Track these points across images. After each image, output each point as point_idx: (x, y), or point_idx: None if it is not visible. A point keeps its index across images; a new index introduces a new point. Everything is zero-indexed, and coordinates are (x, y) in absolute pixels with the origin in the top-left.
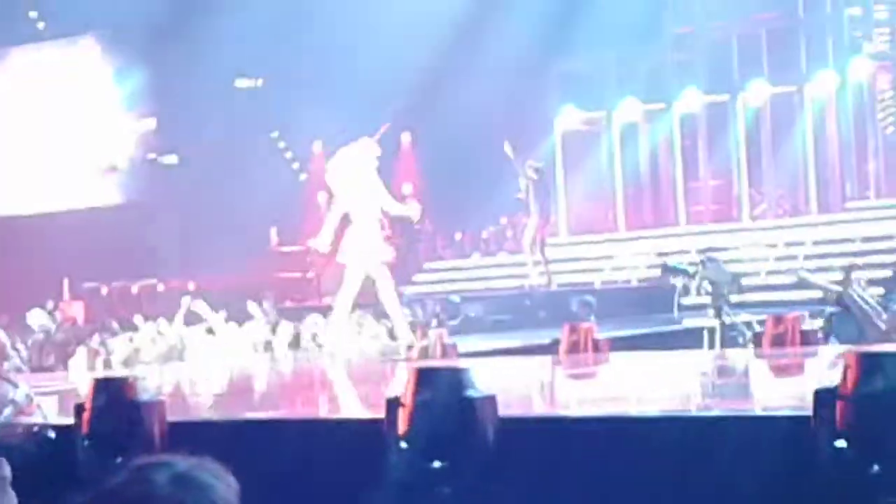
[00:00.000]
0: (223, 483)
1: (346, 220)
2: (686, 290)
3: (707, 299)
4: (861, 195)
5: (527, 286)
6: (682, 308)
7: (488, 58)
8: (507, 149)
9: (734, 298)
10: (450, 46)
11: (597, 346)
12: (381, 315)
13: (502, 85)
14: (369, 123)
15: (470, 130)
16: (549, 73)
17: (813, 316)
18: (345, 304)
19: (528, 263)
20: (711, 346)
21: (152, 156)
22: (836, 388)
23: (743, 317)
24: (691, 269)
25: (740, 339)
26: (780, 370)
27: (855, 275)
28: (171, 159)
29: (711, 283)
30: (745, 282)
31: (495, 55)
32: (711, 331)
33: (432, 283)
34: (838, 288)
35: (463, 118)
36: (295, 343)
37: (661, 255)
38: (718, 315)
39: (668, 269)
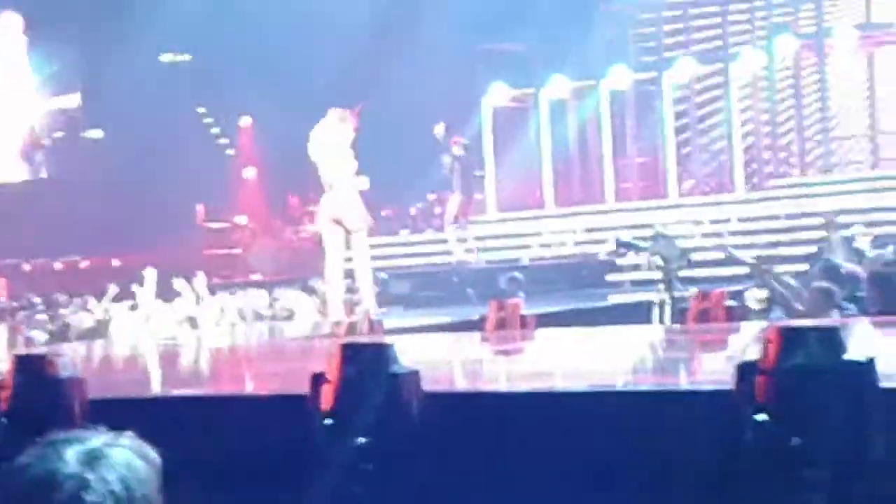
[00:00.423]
0: (142, 459)
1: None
2: (636, 266)
3: (653, 274)
4: (786, 173)
5: (454, 262)
6: (610, 285)
7: (417, 35)
8: (439, 129)
9: (683, 273)
10: (379, 24)
11: (524, 323)
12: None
13: (431, 62)
14: (298, 99)
15: (398, 107)
16: (477, 50)
17: (760, 287)
18: (336, 274)
19: (450, 240)
20: (661, 320)
21: (77, 131)
22: (756, 362)
23: (692, 291)
24: (643, 244)
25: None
26: (704, 345)
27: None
28: (96, 134)
29: (662, 258)
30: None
31: (424, 33)
32: (661, 305)
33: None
34: (759, 265)
35: (391, 95)
36: (222, 319)
37: (589, 230)
38: (669, 289)
39: (621, 244)
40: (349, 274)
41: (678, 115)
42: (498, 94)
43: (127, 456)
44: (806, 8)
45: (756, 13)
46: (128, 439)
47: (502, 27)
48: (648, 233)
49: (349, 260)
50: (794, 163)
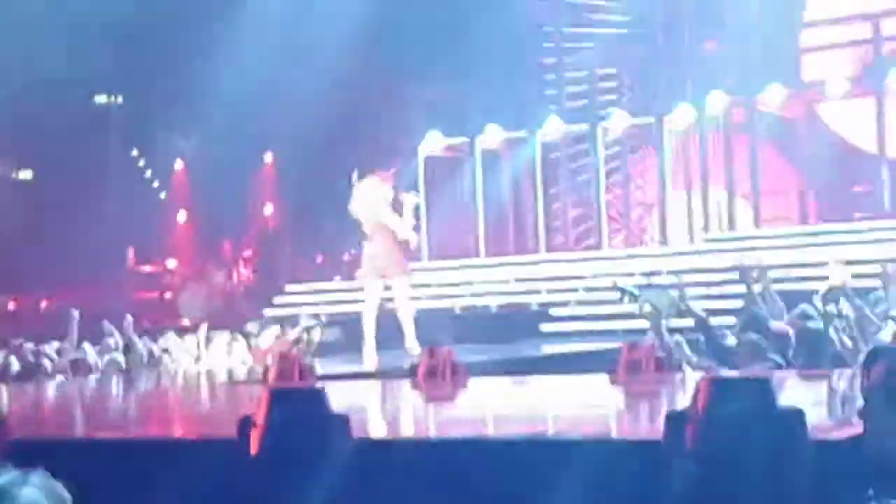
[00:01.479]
0: (51, 497)
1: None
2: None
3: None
4: (718, 227)
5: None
6: (543, 335)
7: (353, 81)
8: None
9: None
10: (314, 70)
11: (455, 371)
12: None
13: (367, 109)
14: (232, 143)
15: (332, 152)
16: (413, 98)
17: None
18: (371, 320)
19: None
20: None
21: (7, 172)
22: (686, 411)
23: (676, 338)
24: (636, 293)
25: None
26: (635, 396)
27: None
28: (26, 175)
29: (653, 306)
30: (602, 311)
31: (360, 79)
32: None
33: (292, 305)
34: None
35: (325, 140)
36: (151, 363)
37: (521, 280)
38: (658, 338)
39: (618, 290)
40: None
41: (611, 167)
42: (433, 143)
43: (34, 496)
44: (737, 66)
45: (688, 69)
46: (38, 478)
47: (438, 76)
48: (598, 283)
49: (389, 300)
50: (724, 218)
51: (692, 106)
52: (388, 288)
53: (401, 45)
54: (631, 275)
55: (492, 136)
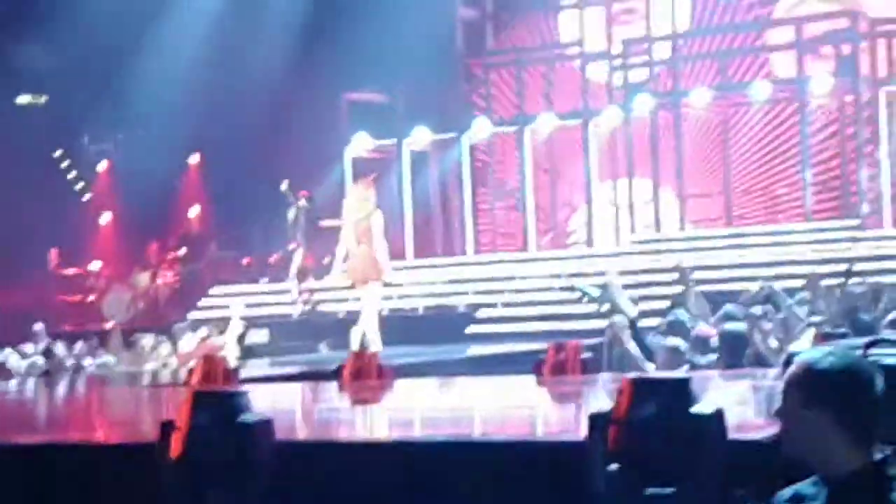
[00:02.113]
0: None
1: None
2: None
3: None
4: (644, 229)
5: (311, 313)
6: (470, 337)
7: (280, 83)
8: (284, 185)
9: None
10: (242, 72)
11: (381, 373)
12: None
13: (293, 111)
14: (158, 144)
15: (259, 154)
16: (340, 100)
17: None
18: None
19: (293, 291)
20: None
21: None
22: (609, 412)
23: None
24: (594, 293)
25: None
26: (559, 397)
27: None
28: None
29: (612, 307)
30: (531, 311)
31: (288, 81)
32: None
33: (218, 307)
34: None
35: (253, 142)
36: (72, 366)
37: (448, 282)
38: (618, 335)
39: (578, 290)
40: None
41: (539, 169)
42: (360, 145)
43: None
44: (663, 68)
45: (615, 72)
46: None
47: (366, 78)
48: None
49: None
50: (652, 220)
51: (619, 108)
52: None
53: (328, 47)
54: (557, 276)
55: (419, 137)
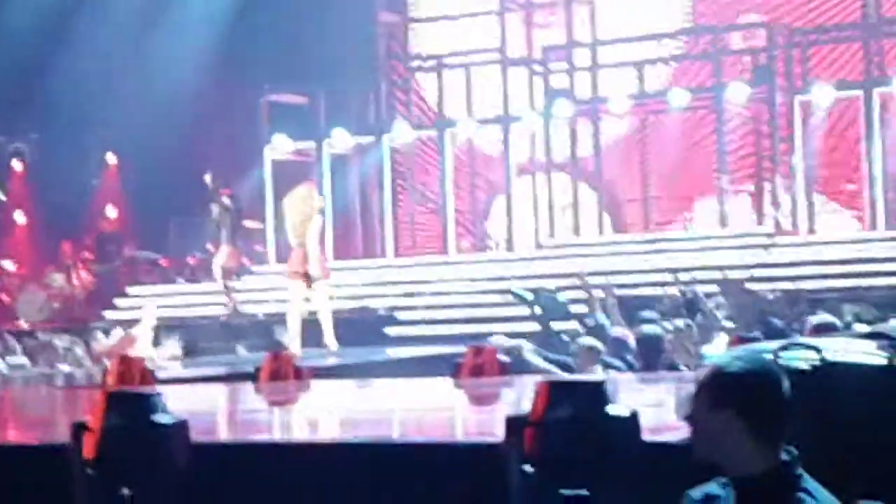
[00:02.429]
0: None
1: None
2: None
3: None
4: (564, 233)
5: (229, 314)
6: (389, 339)
7: (197, 81)
8: (207, 178)
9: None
10: (159, 71)
11: (298, 375)
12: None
13: (213, 111)
14: (74, 144)
15: (177, 154)
16: (260, 101)
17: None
18: (296, 319)
19: (221, 292)
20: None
21: None
22: (525, 414)
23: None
24: (528, 297)
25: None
26: (477, 399)
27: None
28: None
29: (543, 310)
30: (449, 314)
31: (206, 83)
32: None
33: (134, 308)
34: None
35: (170, 141)
36: None
37: (368, 285)
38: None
39: (513, 294)
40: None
41: (459, 173)
42: (280, 147)
43: None
44: (582, 74)
45: (535, 77)
46: None
47: (285, 79)
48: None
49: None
50: (570, 224)
51: (538, 113)
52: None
53: (247, 48)
54: (474, 280)
55: (339, 140)
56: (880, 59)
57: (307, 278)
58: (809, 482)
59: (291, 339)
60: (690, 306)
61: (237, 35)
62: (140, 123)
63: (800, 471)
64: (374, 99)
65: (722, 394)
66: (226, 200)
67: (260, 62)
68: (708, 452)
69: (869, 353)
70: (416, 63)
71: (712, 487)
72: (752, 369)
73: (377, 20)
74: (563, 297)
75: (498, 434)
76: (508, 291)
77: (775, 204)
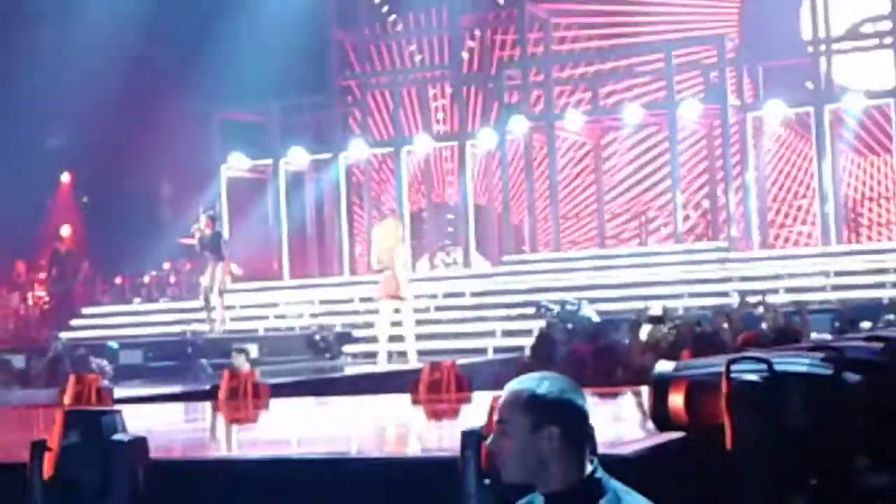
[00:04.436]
0: None
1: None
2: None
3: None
4: (517, 249)
5: (188, 333)
6: (347, 356)
7: (156, 102)
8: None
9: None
10: (116, 90)
11: (257, 392)
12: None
13: (169, 130)
14: (28, 162)
15: (133, 174)
16: (214, 120)
17: None
18: (386, 334)
19: (206, 310)
20: None
21: None
22: (481, 428)
23: None
24: (555, 309)
25: None
26: (434, 415)
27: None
28: None
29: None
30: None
31: (163, 100)
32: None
33: (91, 328)
34: None
35: (126, 161)
36: None
37: (324, 302)
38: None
39: (538, 305)
40: None
41: (415, 189)
42: (236, 164)
43: None
44: (538, 92)
45: (490, 94)
46: None
47: (241, 97)
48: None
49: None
50: (526, 240)
51: (494, 131)
52: None
53: (202, 66)
54: (434, 297)
55: (296, 157)
56: (829, 76)
57: (396, 299)
58: (618, 485)
59: (381, 352)
60: (666, 319)
61: (192, 53)
62: (94, 141)
63: (601, 474)
64: (329, 116)
65: (543, 414)
66: (203, 221)
67: (214, 80)
68: (524, 473)
69: (815, 365)
70: (371, 80)
71: None
72: (563, 388)
73: (332, 38)
74: (586, 309)
75: (454, 449)
76: (536, 304)
77: (728, 219)
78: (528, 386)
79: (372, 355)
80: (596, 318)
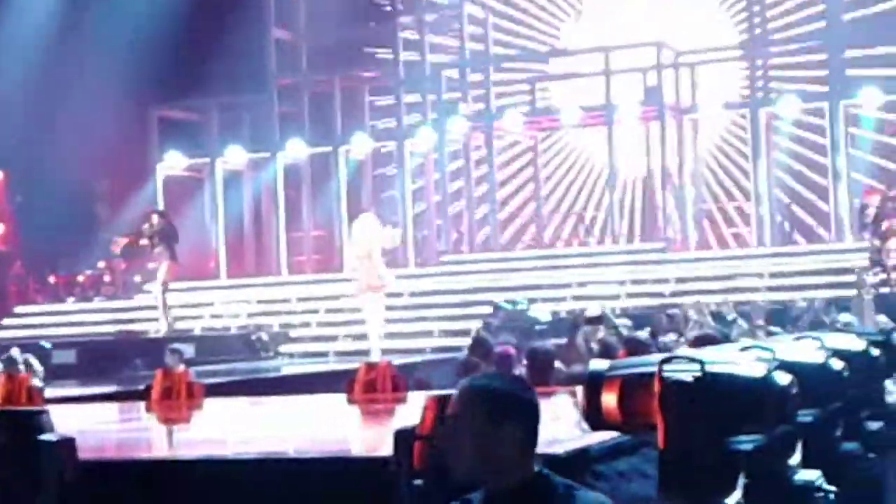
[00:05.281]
0: None
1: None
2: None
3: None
4: (455, 249)
5: (122, 332)
6: (284, 356)
7: (90, 100)
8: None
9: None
10: (48, 85)
11: (191, 392)
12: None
13: (104, 128)
14: None
15: (67, 172)
16: (151, 118)
17: None
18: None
19: (158, 307)
20: None
21: None
22: (413, 428)
23: None
24: (506, 309)
25: None
26: (368, 415)
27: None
28: None
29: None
30: (346, 331)
31: (97, 97)
32: None
33: (23, 327)
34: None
35: (61, 159)
36: None
37: (261, 302)
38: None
39: (494, 306)
40: None
41: (352, 189)
42: (173, 163)
43: None
44: (476, 92)
45: (428, 95)
46: None
47: (177, 95)
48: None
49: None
50: (464, 240)
51: (433, 130)
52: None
53: (138, 63)
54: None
55: (233, 156)
56: (765, 78)
57: (378, 290)
58: (565, 480)
59: (373, 348)
60: (601, 322)
61: (127, 50)
62: (28, 140)
63: (551, 472)
64: (267, 115)
65: (503, 409)
66: (155, 220)
67: (149, 77)
68: (478, 469)
69: (748, 365)
70: (310, 80)
71: None
72: (517, 384)
73: (270, 37)
74: (535, 310)
75: (387, 448)
76: (494, 304)
77: (664, 220)
78: (487, 383)
79: (311, 354)
80: (544, 318)
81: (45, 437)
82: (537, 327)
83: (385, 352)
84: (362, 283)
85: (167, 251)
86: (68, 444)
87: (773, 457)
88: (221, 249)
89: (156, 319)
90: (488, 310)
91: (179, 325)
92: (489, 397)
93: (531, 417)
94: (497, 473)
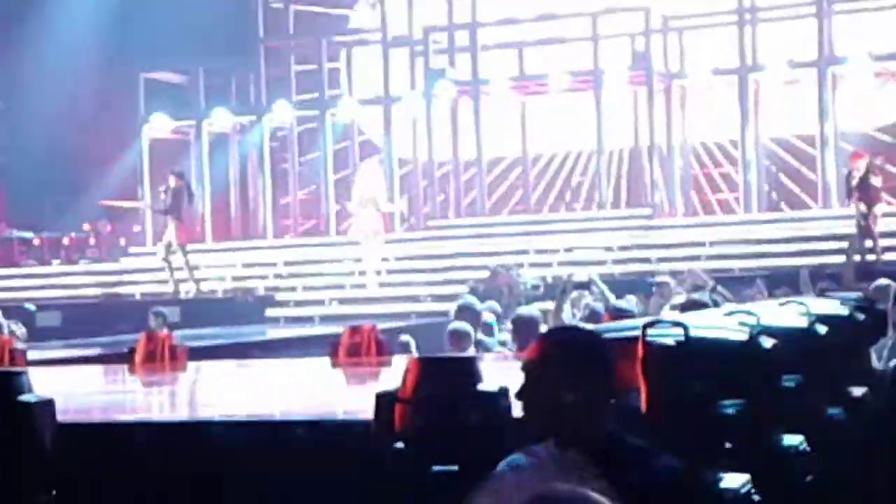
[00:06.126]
0: None
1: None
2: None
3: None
4: (442, 215)
5: (107, 295)
6: (269, 320)
7: (73, 58)
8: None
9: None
10: (33, 46)
11: (174, 355)
12: None
13: (88, 89)
14: None
15: (52, 133)
16: (136, 79)
17: None
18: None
19: (165, 269)
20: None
21: None
22: (395, 391)
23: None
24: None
25: None
26: (352, 378)
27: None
28: None
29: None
30: (331, 295)
31: (81, 57)
32: None
33: (7, 289)
34: None
35: (44, 121)
36: None
37: (247, 266)
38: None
39: (491, 270)
40: None
41: (338, 153)
42: (158, 125)
43: None
44: (463, 56)
45: (416, 58)
46: None
47: (163, 57)
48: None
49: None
50: (451, 205)
51: (421, 95)
52: None
53: (124, 25)
54: (358, 260)
55: (219, 119)
56: (754, 45)
57: (379, 234)
58: (640, 444)
59: (370, 282)
60: (587, 287)
61: (115, 11)
62: (12, 100)
63: (625, 433)
64: (254, 79)
65: (592, 359)
66: (172, 181)
67: (136, 39)
68: (556, 419)
69: (731, 330)
70: (296, 42)
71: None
72: (598, 339)
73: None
74: (526, 275)
75: (369, 412)
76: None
77: (651, 186)
78: (572, 334)
79: (297, 320)
80: (532, 283)
81: (22, 398)
82: (533, 292)
83: (371, 316)
84: (364, 228)
85: (174, 212)
86: (47, 405)
87: (757, 421)
88: (207, 212)
89: (139, 283)
90: (474, 274)
91: (165, 289)
92: (583, 350)
93: (609, 373)
94: (572, 425)
